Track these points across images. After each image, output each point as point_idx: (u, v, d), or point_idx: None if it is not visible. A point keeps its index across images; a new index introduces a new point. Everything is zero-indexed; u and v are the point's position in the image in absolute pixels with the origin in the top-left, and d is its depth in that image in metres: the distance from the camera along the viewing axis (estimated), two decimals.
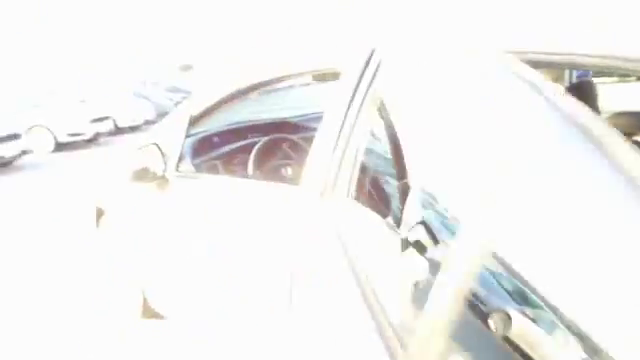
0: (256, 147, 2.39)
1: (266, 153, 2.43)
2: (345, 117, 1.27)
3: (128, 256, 2.38)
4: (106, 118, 11.95)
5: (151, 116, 13.95)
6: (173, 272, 2.04)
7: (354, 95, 1.26)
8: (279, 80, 1.71)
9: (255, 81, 1.73)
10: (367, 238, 1.14)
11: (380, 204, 1.29)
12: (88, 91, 14.04)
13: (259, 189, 1.65)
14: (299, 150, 2.53)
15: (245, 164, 2.37)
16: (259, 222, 1.53)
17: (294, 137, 2.56)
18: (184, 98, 8.95)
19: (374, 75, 1.18)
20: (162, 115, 10.51)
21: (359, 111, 1.21)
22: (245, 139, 2.63)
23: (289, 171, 2.45)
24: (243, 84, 1.77)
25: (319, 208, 1.24)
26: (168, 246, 2.03)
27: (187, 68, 22.51)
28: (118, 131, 12.56)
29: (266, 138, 2.47)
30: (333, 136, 1.28)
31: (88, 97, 13.17)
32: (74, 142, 10.94)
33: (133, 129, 13.25)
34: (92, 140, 11.42)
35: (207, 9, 24.13)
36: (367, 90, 1.19)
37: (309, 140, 2.62)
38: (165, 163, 1.99)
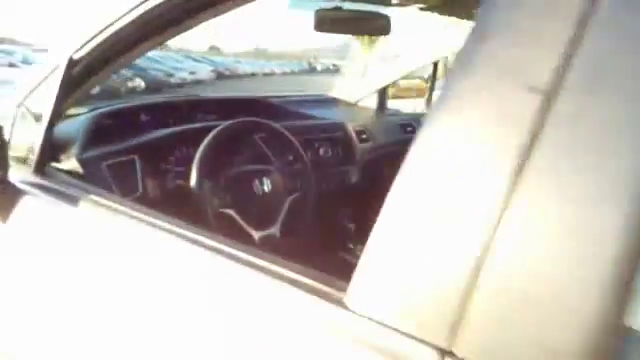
0: (211, 135, 1.31)
1: (226, 148, 1.36)
2: None
3: None
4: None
5: None
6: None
7: None
8: None
9: None
10: None
11: None
12: None
13: (218, 267, 0.59)
14: (283, 148, 1.48)
15: (189, 165, 1.29)
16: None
17: (276, 125, 1.50)
18: None
19: None
20: None
21: None
22: (192, 121, 1.54)
23: (265, 186, 1.39)
24: None
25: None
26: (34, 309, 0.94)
27: None
28: None
29: (230, 122, 1.39)
30: None
31: None
32: None
33: None
34: None
35: None
36: None
37: (302, 133, 1.58)
38: (7, 161, 0.87)
